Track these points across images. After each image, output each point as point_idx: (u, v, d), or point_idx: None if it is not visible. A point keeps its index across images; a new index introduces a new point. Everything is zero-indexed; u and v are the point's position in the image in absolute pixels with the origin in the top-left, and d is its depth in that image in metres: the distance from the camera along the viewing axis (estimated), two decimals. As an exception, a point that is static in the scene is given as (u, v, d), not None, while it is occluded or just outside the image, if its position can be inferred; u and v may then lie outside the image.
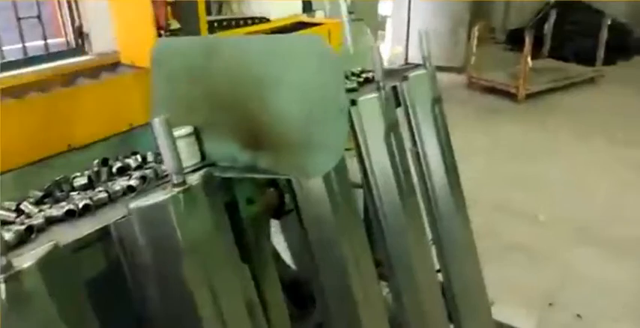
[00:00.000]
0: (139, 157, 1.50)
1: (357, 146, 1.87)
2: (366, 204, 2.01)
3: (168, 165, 1.17)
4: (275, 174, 1.39)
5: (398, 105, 2.11)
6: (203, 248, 1.22)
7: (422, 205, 2.18)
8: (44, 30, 2.36)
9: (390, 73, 2.19)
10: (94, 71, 2.14)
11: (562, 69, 8.10)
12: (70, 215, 1.23)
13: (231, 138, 1.41)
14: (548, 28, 8.43)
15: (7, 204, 1.29)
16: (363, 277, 1.81)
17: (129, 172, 1.42)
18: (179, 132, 1.38)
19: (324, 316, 1.80)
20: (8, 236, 1.12)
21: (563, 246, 4.12)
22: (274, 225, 2.13)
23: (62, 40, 2.47)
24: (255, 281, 1.47)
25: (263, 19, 2.97)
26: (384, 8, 8.21)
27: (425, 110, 2.14)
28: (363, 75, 2.18)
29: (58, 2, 2.45)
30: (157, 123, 1.14)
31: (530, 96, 7.30)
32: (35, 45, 2.37)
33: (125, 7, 2.09)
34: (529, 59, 7.17)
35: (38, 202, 1.32)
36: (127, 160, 1.48)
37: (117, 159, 1.49)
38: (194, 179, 1.22)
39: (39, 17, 2.38)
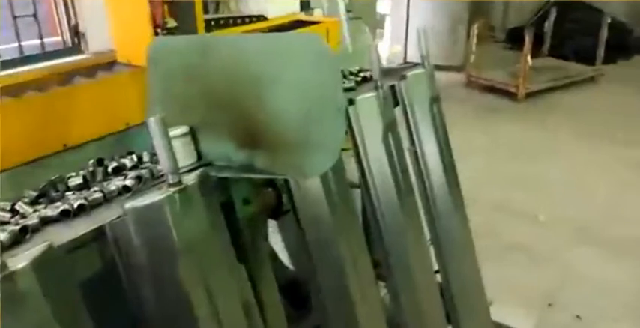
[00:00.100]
0: (134, 157, 1.49)
1: (355, 145, 1.87)
2: (364, 204, 2.00)
3: (163, 164, 1.16)
4: (272, 174, 1.38)
5: (396, 104, 2.10)
6: (199, 248, 1.21)
7: (420, 205, 2.17)
8: (40, 29, 2.35)
9: (388, 72, 2.18)
10: (90, 70, 2.12)
11: (562, 68, 8.09)
12: (65, 215, 1.22)
13: (228, 138, 1.40)
14: (548, 26, 8.42)
15: (1, 204, 1.28)
16: (360, 277, 1.80)
17: (124, 172, 1.41)
18: (175, 131, 1.37)
19: (322, 316, 1.79)
20: (3, 236, 1.11)
21: (563, 246, 4.11)
22: (272, 226, 2.12)
23: (58, 38, 2.46)
24: (252, 282, 1.46)
25: (260, 18, 2.96)
26: (382, 7, 8.20)
27: (423, 109, 2.13)
28: (361, 74, 2.18)
29: (54, 1, 2.44)
30: (153, 122, 1.13)
31: (529, 95, 7.29)
32: (31, 44, 2.36)
33: (121, 5, 2.08)
34: (529, 58, 7.16)
35: (33, 202, 1.32)
36: (123, 160, 1.47)
37: (112, 159, 1.48)
38: (190, 179, 1.21)
39: (35, 16, 2.37)
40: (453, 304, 2.28)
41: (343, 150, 1.60)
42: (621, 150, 5.77)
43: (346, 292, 1.75)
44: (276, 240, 2.29)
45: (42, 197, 1.34)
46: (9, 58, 2.22)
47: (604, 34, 7.81)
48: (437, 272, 2.26)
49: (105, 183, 1.34)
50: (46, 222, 1.21)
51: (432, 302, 2.17)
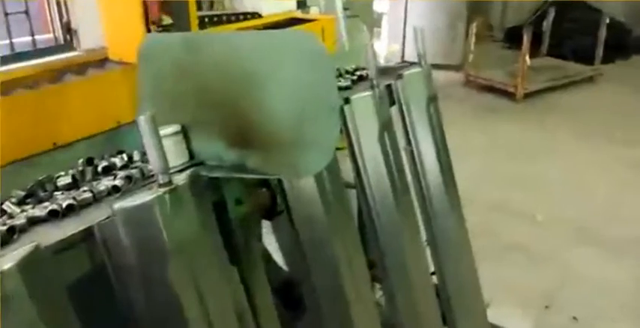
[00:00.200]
0: (124, 156, 1.47)
1: (350, 145, 1.85)
2: (360, 204, 1.98)
3: (153, 164, 1.14)
4: (264, 174, 1.36)
5: (392, 103, 2.08)
6: (190, 250, 1.19)
7: (416, 205, 2.16)
8: (32, 26, 2.33)
9: (384, 71, 2.16)
10: (81, 67, 2.10)
11: (560, 67, 8.07)
12: (54, 215, 1.20)
13: (220, 137, 1.38)
14: (546, 26, 8.40)
15: (-11, 204, 1.26)
16: (355, 278, 1.78)
17: (114, 172, 1.39)
18: (166, 130, 1.35)
19: (316, 318, 1.77)
20: (-11, 237, 1.09)
21: (562, 246, 4.10)
22: (266, 226, 2.10)
23: (50, 35, 2.44)
24: (245, 284, 1.44)
25: (255, 15, 2.94)
26: (380, 5, 8.17)
27: (420, 109, 2.11)
28: (357, 72, 2.16)
29: (47, -3, 2.43)
30: (143, 120, 1.11)
31: (528, 95, 7.27)
32: (23, 41, 2.34)
33: (113, 2, 2.06)
34: (527, 57, 7.14)
35: (21, 202, 1.30)
36: (113, 159, 1.45)
37: (102, 158, 1.46)
38: (180, 179, 1.20)
39: (27, 12, 2.35)
40: (450, 305, 2.26)
41: (338, 149, 1.57)
42: (620, 149, 5.75)
43: (341, 293, 1.73)
44: (270, 241, 2.27)
45: (30, 197, 1.32)
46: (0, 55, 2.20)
47: (603, 33, 7.80)
48: (433, 273, 2.24)
49: (94, 183, 1.33)
50: (33, 222, 1.19)
51: (428, 303, 2.15)
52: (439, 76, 7.25)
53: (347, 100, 1.81)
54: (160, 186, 1.15)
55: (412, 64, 2.22)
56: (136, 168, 1.38)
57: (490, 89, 7.54)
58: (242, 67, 1.34)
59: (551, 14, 8.28)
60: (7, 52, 2.23)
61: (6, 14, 2.24)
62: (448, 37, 8.32)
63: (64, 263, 1.13)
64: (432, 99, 2.16)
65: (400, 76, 2.08)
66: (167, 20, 2.23)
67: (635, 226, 4.33)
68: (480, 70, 7.72)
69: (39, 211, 1.21)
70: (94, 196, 1.26)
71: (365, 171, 1.87)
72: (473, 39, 7.48)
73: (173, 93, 1.45)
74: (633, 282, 3.69)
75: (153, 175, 1.24)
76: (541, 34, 8.36)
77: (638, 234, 4.23)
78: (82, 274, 1.20)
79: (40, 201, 1.27)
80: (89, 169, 1.40)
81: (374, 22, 7.24)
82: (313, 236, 1.68)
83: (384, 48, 8.62)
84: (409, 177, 2.10)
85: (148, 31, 1.94)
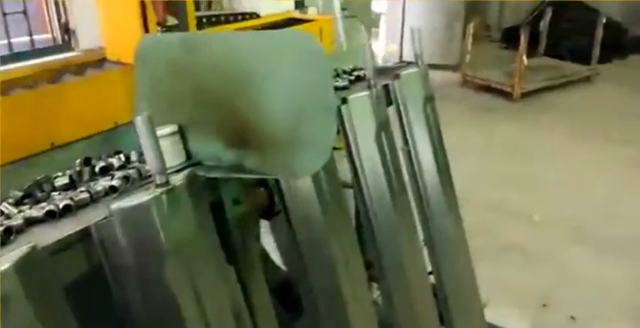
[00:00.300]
0: (122, 157, 1.47)
1: (348, 145, 1.85)
2: (357, 204, 1.99)
3: (150, 164, 1.14)
4: (262, 174, 1.36)
5: (390, 103, 2.09)
6: (187, 250, 1.19)
7: (413, 205, 2.16)
8: (30, 26, 2.33)
9: (382, 71, 2.16)
10: (79, 67, 2.10)
11: (557, 67, 8.08)
12: (51, 216, 1.20)
13: (217, 137, 1.38)
14: (543, 26, 8.41)
15: (-14, 204, 1.26)
16: (352, 277, 1.78)
17: (112, 172, 1.39)
18: (163, 130, 1.35)
19: (313, 317, 1.77)
20: (-14, 238, 1.09)
21: (558, 246, 4.10)
22: (264, 226, 2.11)
23: (48, 36, 2.44)
24: (242, 284, 1.44)
25: (253, 15, 2.94)
26: (378, 5, 8.18)
27: (417, 109, 2.12)
28: (355, 73, 2.16)
29: (45, -2, 2.43)
30: (140, 121, 1.11)
31: (525, 94, 7.28)
32: (21, 41, 2.33)
33: (111, 3, 2.06)
34: (524, 57, 7.15)
35: (18, 203, 1.29)
36: (110, 160, 1.44)
37: (100, 159, 1.45)
38: (178, 179, 1.19)
39: (25, 13, 2.35)
40: (447, 305, 2.27)
41: (336, 149, 1.58)
42: (617, 149, 5.77)
43: (338, 292, 1.74)
44: (268, 241, 2.27)
45: (27, 197, 1.32)
46: (-2, 54, 2.20)
47: (599, 33, 7.81)
48: (430, 273, 2.24)
49: (92, 183, 1.32)
50: (31, 222, 1.19)
51: (425, 303, 2.16)
52: (436, 76, 7.27)
53: (344, 100, 1.81)
54: (157, 186, 1.14)
55: (409, 64, 2.22)
56: (133, 168, 1.38)
57: (487, 89, 7.55)
58: (239, 67, 1.34)
59: (548, 14, 8.30)
60: (5, 52, 2.23)
61: (4, 14, 2.23)
62: (446, 37, 8.33)
63: (61, 263, 1.12)
64: (429, 99, 2.16)
65: (397, 76, 2.08)
66: (172, 21, 2.23)
67: (632, 226, 4.35)
68: (478, 70, 7.73)
69: (36, 212, 1.20)
70: (91, 196, 1.26)
71: (362, 171, 1.88)
72: (470, 39, 7.49)
73: (170, 94, 1.45)
74: (630, 282, 3.70)
75: (150, 175, 1.24)
76: (538, 34, 8.38)
77: (635, 233, 4.24)
78: (79, 274, 1.20)
79: (38, 202, 1.27)
80: (87, 169, 1.40)
81: (372, 22, 7.25)
82: (310, 236, 1.68)
83: (382, 48, 8.62)
84: (406, 177, 2.10)
85: (147, 31, 1.94)
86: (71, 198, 1.23)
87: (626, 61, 9.14)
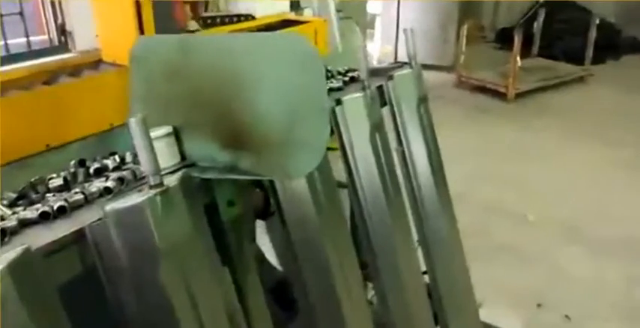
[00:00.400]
0: (117, 158, 1.47)
1: (342, 146, 1.86)
2: (352, 205, 1.99)
3: (144, 166, 1.14)
4: (256, 175, 1.36)
5: (384, 104, 2.10)
6: (181, 252, 1.19)
7: (408, 205, 2.17)
8: (26, 27, 2.33)
9: (376, 72, 2.18)
10: (75, 69, 2.10)
11: (551, 68, 8.11)
12: (45, 217, 1.20)
13: (212, 138, 1.39)
14: (537, 26, 8.43)
15: (-21, 206, 1.26)
16: (347, 277, 1.79)
17: (106, 173, 1.39)
18: (158, 132, 1.36)
19: (309, 318, 1.78)
20: (-20, 240, 1.09)
21: (553, 246, 4.12)
22: (260, 226, 2.11)
23: (45, 37, 2.43)
24: (237, 285, 1.45)
25: (248, 17, 2.94)
26: (373, 7, 8.19)
27: (410, 109, 2.12)
28: (350, 74, 2.17)
29: (42, -1, 2.42)
30: (134, 122, 1.11)
31: (519, 95, 7.30)
32: (18, 42, 2.33)
33: (107, 4, 2.06)
34: (518, 58, 7.17)
35: (12, 204, 1.29)
36: (105, 161, 1.45)
37: (94, 160, 1.46)
38: (172, 180, 1.20)
39: (21, 14, 2.35)
40: (441, 305, 2.27)
41: (330, 149, 1.58)
42: (611, 149, 5.78)
43: (333, 293, 1.74)
44: (264, 241, 2.28)
45: (21, 198, 1.32)
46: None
47: (593, 34, 7.82)
48: (425, 273, 2.25)
49: (86, 185, 1.32)
50: (25, 224, 1.18)
51: (420, 303, 2.16)
52: (431, 77, 7.27)
53: (338, 101, 1.82)
54: (151, 187, 1.15)
55: (404, 64, 2.23)
56: (128, 169, 1.38)
57: (482, 89, 7.57)
58: (233, 69, 1.35)
59: (542, 15, 8.32)
60: (2, 53, 2.23)
61: (0, 16, 2.23)
62: (440, 38, 8.35)
63: (55, 265, 1.12)
64: (423, 100, 2.17)
65: (391, 77, 2.09)
66: (194, 26, 2.23)
67: (626, 226, 4.36)
68: (472, 70, 7.74)
69: (30, 213, 1.20)
70: (85, 198, 1.26)
71: (357, 172, 1.88)
72: (464, 40, 7.50)
73: (165, 95, 1.46)
74: (624, 282, 3.71)
75: (145, 177, 1.25)
76: (532, 35, 8.39)
77: (628, 233, 4.26)
78: (74, 276, 1.20)
79: (32, 203, 1.27)
80: (81, 171, 1.40)
81: (367, 23, 7.25)
82: (305, 236, 1.68)
83: (377, 49, 8.64)
84: (400, 178, 2.11)
85: (142, 33, 1.94)
86: (65, 200, 1.23)
87: (620, 61, 9.17)
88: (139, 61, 1.51)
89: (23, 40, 2.36)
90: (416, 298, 2.13)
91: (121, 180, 1.32)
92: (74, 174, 1.40)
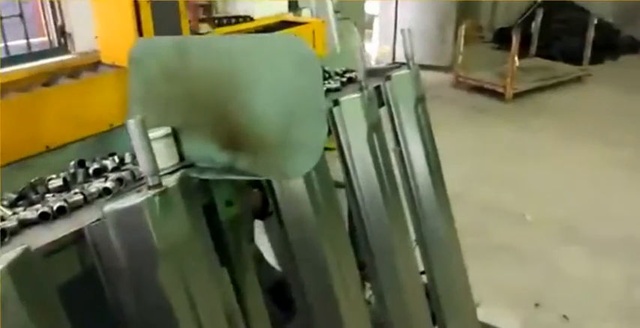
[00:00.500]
0: (116, 159, 1.48)
1: (340, 146, 1.86)
2: (349, 205, 2.00)
3: (143, 166, 1.15)
4: (253, 175, 1.37)
5: (381, 104, 2.10)
6: (180, 252, 1.19)
7: (405, 205, 2.17)
8: (26, 29, 2.34)
9: (374, 73, 2.19)
10: (75, 71, 2.11)
11: (549, 68, 8.12)
12: (44, 217, 1.21)
13: (210, 139, 1.39)
14: (535, 26, 8.45)
15: (-21, 207, 1.26)
16: (344, 277, 1.79)
17: (105, 174, 1.40)
18: (156, 133, 1.36)
19: (306, 318, 1.79)
20: (-20, 240, 1.10)
21: (551, 246, 4.13)
22: (259, 226, 2.12)
23: (45, 39, 2.44)
24: (235, 285, 1.46)
25: (247, 18, 2.96)
26: (371, 7, 8.21)
27: (408, 109, 2.13)
28: (347, 74, 2.18)
29: (41, 1, 2.43)
30: (132, 124, 1.12)
31: (517, 95, 7.32)
32: (18, 44, 2.34)
33: (106, 6, 2.07)
34: (516, 58, 7.18)
35: (12, 205, 1.30)
36: (104, 162, 1.45)
37: (94, 161, 1.46)
38: (171, 181, 1.20)
39: (21, 16, 2.36)
40: (439, 305, 2.28)
41: (328, 149, 1.59)
42: (609, 149, 5.80)
43: (330, 293, 1.75)
44: (263, 241, 2.28)
45: (21, 199, 1.33)
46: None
47: (591, 34, 7.84)
48: (422, 272, 2.26)
49: (85, 185, 1.33)
50: (25, 224, 1.19)
51: (418, 302, 2.17)
52: (429, 77, 7.29)
53: (336, 102, 1.83)
54: (150, 188, 1.15)
55: (401, 65, 2.24)
56: (127, 170, 1.39)
57: (480, 90, 7.58)
58: (231, 71, 1.36)
59: (540, 15, 8.33)
60: (1, 55, 2.23)
61: (0, 18, 2.24)
62: (438, 38, 8.37)
63: (55, 265, 1.13)
64: (420, 100, 2.18)
65: (388, 78, 2.10)
66: (205, 28, 2.23)
67: (625, 226, 4.37)
68: (470, 70, 7.76)
69: (30, 213, 1.21)
70: (85, 198, 1.27)
71: (354, 172, 1.89)
72: (462, 40, 7.52)
73: (164, 97, 1.47)
74: (622, 282, 3.72)
75: (143, 177, 1.25)
76: (530, 35, 8.41)
77: (627, 233, 4.27)
78: (73, 276, 1.20)
79: (32, 204, 1.28)
80: (81, 171, 1.41)
81: (365, 24, 7.26)
82: (303, 236, 1.69)
83: (375, 49, 8.65)
84: (398, 178, 2.12)
85: (141, 34, 1.95)
86: (65, 200, 1.24)
87: (618, 61, 9.19)
88: (137, 62, 1.52)
89: (23, 41, 2.38)
90: (414, 298, 2.14)
91: (120, 180, 1.33)
92: (74, 175, 1.40)
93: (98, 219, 1.16)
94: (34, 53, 2.37)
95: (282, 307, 2.15)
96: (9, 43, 2.31)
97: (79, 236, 1.17)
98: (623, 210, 4.62)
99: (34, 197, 1.32)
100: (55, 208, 1.22)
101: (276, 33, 2.67)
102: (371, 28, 8.65)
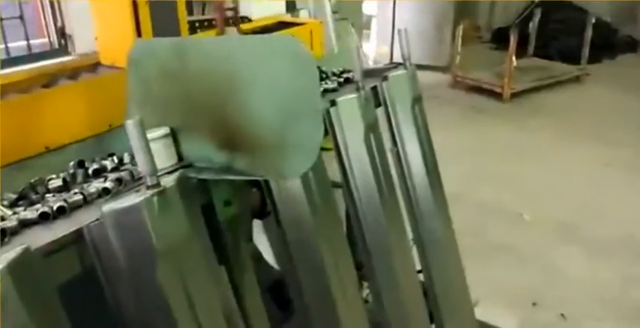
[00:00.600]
0: (115, 159, 1.49)
1: (337, 147, 1.87)
2: (347, 205, 2.01)
3: (141, 167, 1.16)
4: (251, 175, 1.38)
5: (378, 105, 2.11)
6: (178, 251, 1.20)
7: (403, 205, 2.18)
8: (26, 30, 2.34)
9: (371, 73, 2.20)
10: (74, 72, 2.11)
11: (547, 68, 8.13)
12: (44, 218, 1.22)
13: (208, 140, 1.41)
14: (532, 26, 8.46)
15: (-20, 207, 1.28)
16: (342, 277, 1.80)
17: (105, 174, 1.41)
18: (155, 133, 1.38)
19: (304, 317, 1.80)
20: (-20, 239, 1.11)
21: (549, 245, 4.14)
22: (258, 226, 2.13)
23: (45, 40, 2.45)
24: (234, 285, 1.47)
25: (245, 19, 2.96)
26: (369, 7, 8.22)
27: (405, 110, 2.14)
28: (344, 75, 2.19)
29: (41, 2, 2.44)
30: (131, 125, 1.13)
31: (515, 95, 7.32)
32: (18, 45, 2.34)
33: (105, 7, 2.07)
34: (514, 58, 7.20)
35: (12, 205, 1.31)
36: (104, 162, 1.47)
37: (93, 161, 1.48)
38: (169, 181, 1.21)
39: (21, 18, 2.36)
40: (437, 304, 2.29)
41: (325, 149, 1.60)
42: (607, 149, 5.81)
43: (328, 292, 1.76)
44: (262, 240, 2.29)
45: (21, 199, 1.34)
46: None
47: (589, 33, 7.85)
48: (420, 271, 2.26)
49: (85, 185, 1.34)
50: (24, 224, 1.20)
51: (415, 302, 2.18)
52: (427, 77, 7.30)
53: (333, 102, 1.84)
54: (149, 188, 1.16)
55: (398, 65, 2.25)
56: (126, 170, 1.40)
57: (477, 90, 7.59)
58: (228, 71, 1.37)
59: (537, 15, 8.34)
60: (2, 56, 2.24)
61: (0, 19, 2.25)
62: (436, 38, 8.38)
63: (54, 264, 1.14)
64: (417, 100, 2.19)
65: (385, 78, 2.11)
66: (231, 32, 2.22)
67: (622, 226, 4.38)
68: (468, 70, 7.77)
69: (30, 213, 1.22)
70: (84, 198, 1.28)
71: (351, 172, 1.90)
72: (460, 40, 7.53)
73: (162, 97, 1.48)
74: (620, 281, 3.73)
75: (142, 177, 1.26)
76: (527, 34, 8.42)
77: (624, 233, 4.28)
78: (73, 276, 1.21)
79: (32, 204, 1.29)
80: (80, 172, 1.42)
81: (363, 24, 7.27)
82: (300, 236, 1.70)
83: (373, 50, 8.66)
84: (395, 178, 2.13)
85: (140, 35, 1.95)
86: (65, 200, 1.25)
87: (616, 60, 9.21)
88: (136, 63, 1.53)
89: (23, 43, 2.38)
90: (411, 297, 2.14)
91: (119, 180, 1.34)
92: (73, 175, 1.42)
93: (97, 219, 1.17)
94: (34, 54, 2.37)
95: (281, 306, 2.15)
96: (9, 45, 2.31)
97: (78, 236, 1.18)
98: (620, 210, 4.63)
99: (34, 197, 1.34)
100: (54, 208, 1.23)
101: (273, 34, 2.68)
102: (369, 28, 8.65)
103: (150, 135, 1.21)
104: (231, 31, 2.28)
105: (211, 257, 1.35)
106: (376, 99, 2.09)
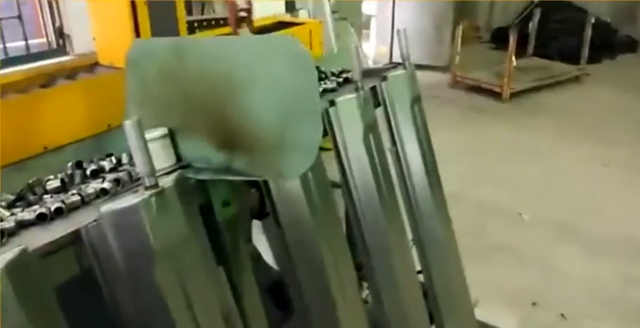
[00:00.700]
0: (113, 159, 1.48)
1: (336, 147, 1.87)
2: (346, 205, 2.01)
3: (140, 167, 1.15)
4: (250, 176, 1.38)
5: (378, 105, 2.11)
6: (176, 252, 1.20)
7: (402, 205, 2.18)
8: (25, 31, 2.34)
9: (370, 73, 2.19)
10: (73, 72, 2.11)
11: (547, 67, 8.13)
12: (42, 218, 1.21)
13: (207, 140, 1.40)
14: (532, 26, 8.46)
15: (-22, 208, 1.27)
16: (341, 277, 1.80)
17: (103, 175, 1.40)
18: (153, 133, 1.37)
19: (304, 317, 1.79)
20: (-22, 241, 1.11)
21: (548, 245, 4.13)
22: (257, 226, 2.13)
23: (43, 40, 2.44)
24: (233, 285, 1.46)
25: (244, 19, 2.95)
26: (368, 7, 8.22)
27: (404, 110, 2.14)
28: (344, 75, 2.18)
29: (39, 2, 2.43)
30: (129, 125, 1.13)
31: (514, 95, 7.32)
32: (17, 45, 2.34)
33: (103, 7, 2.07)
34: (514, 58, 7.19)
35: (10, 206, 1.31)
36: (101, 163, 1.46)
37: (91, 162, 1.47)
38: (167, 181, 1.21)
39: (20, 17, 2.36)
40: (437, 304, 2.29)
41: (325, 150, 1.60)
42: (606, 149, 5.80)
43: (327, 293, 1.75)
44: (261, 241, 2.29)
45: (19, 200, 1.34)
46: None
47: (588, 33, 7.85)
48: (419, 272, 2.26)
49: (83, 186, 1.34)
50: (22, 225, 1.20)
51: (415, 302, 2.18)
52: (427, 77, 7.30)
53: (332, 102, 1.84)
54: (147, 188, 1.16)
55: (398, 65, 2.25)
56: (124, 171, 1.40)
57: (477, 89, 7.59)
58: (227, 72, 1.37)
59: (537, 15, 8.34)
60: (0, 56, 2.24)
61: (-1, 19, 2.25)
62: (435, 38, 8.39)
63: (52, 265, 1.14)
64: (416, 100, 2.19)
65: (384, 78, 2.10)
66: (244, 33, 2.22)
67: (621, 225, 4.38)
68: (467, 70, 7.77)
69: (28, 214, 1.21)
70: (82, 199, 1.28)
71: (351, 173, 1.90)
72: (460, 40, 7.53)
73: (161, 98, 1.48)
74: (619, 281, 3.72)
75: (140, 178, 1.26)
76: (527, 34, 8.42)
77: (624, 233, 4.28)
78: (71, 276, 1.21)
79: (29, 205, 1.29)
80: (78, 172, 1.42)
81: (362, 24, 7.27)
82: (300, 237, 1.70)
83: (373, 49, 8.66)
84: (395, 178, 2.12)
85: (138, 35, 1.95)
86: (62, 201, 1.25)
87: (616, 60, 9.21)
88: (134, 63, 1.53)
89: (22, 43, 2.38)
90: (411, 297, 2.14)
91: (117, 181, 1.34)
92: (71, 176, 1.41)
93: (95, 220, 1.17)
94: (33, 54, 2.37)
95: (280, 306, 2.15)
96: (7, 45, 2.31)
97: (76, 236, 1.17)
98: (620, 210, 4.63)
99: (31, 198, 1.33)
100: (52, 209, 1.22)
101: (273, 34, 2.68)
102: (368, 28, 8.65)
103: (148, 135, 1.20)
104: (244, 32, 2.27)
105: (210, 257, 1.35)
106: (375, 99, 2.09)
